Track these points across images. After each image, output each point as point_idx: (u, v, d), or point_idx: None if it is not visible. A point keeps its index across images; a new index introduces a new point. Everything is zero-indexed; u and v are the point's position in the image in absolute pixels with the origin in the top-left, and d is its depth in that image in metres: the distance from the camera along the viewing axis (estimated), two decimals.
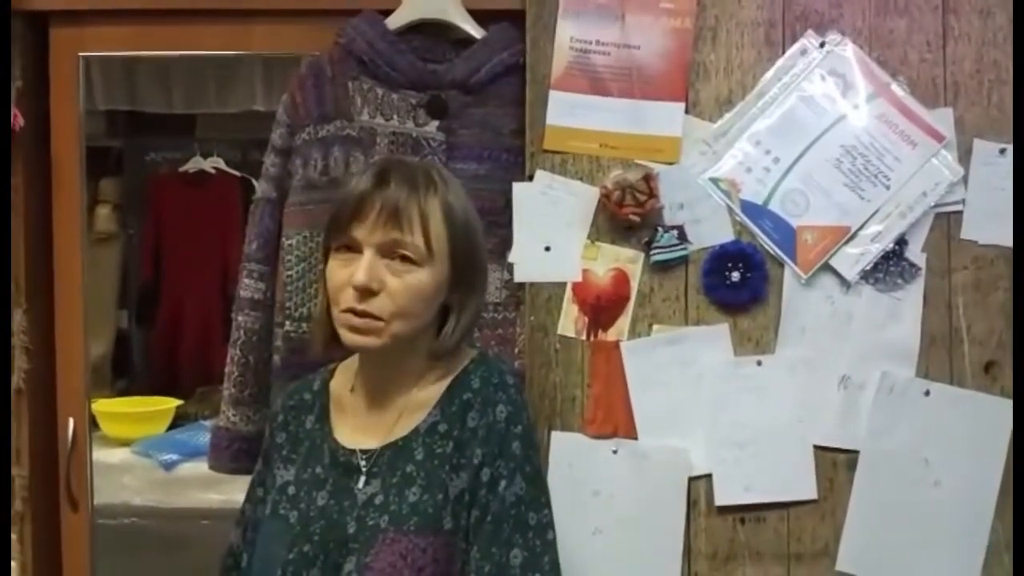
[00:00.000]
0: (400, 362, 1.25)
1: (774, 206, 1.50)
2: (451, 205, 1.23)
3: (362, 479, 1.22)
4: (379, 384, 1.27)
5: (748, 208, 1.50)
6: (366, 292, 1.18)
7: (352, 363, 1.32)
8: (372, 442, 1.24)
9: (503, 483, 1.19)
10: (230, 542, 1.35)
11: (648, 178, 1.49)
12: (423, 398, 1.25)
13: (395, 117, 1.56)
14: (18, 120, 1.63)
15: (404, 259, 1.19)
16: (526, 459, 1.22)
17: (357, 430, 1.27)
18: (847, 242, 1.49)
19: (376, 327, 1.19)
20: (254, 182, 1.69)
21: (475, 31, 1.59)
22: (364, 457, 1.23)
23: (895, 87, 1.51)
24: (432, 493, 1.19)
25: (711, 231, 1.51)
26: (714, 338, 1.50)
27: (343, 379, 1.32)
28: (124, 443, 2.58)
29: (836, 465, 1.49)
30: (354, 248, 1.20)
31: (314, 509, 1.23)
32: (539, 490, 1.23)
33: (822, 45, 1.52)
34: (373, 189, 1.19)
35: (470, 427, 1.22)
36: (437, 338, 1.26)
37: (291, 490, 1.26)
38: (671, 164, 1.51)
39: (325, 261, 1.25)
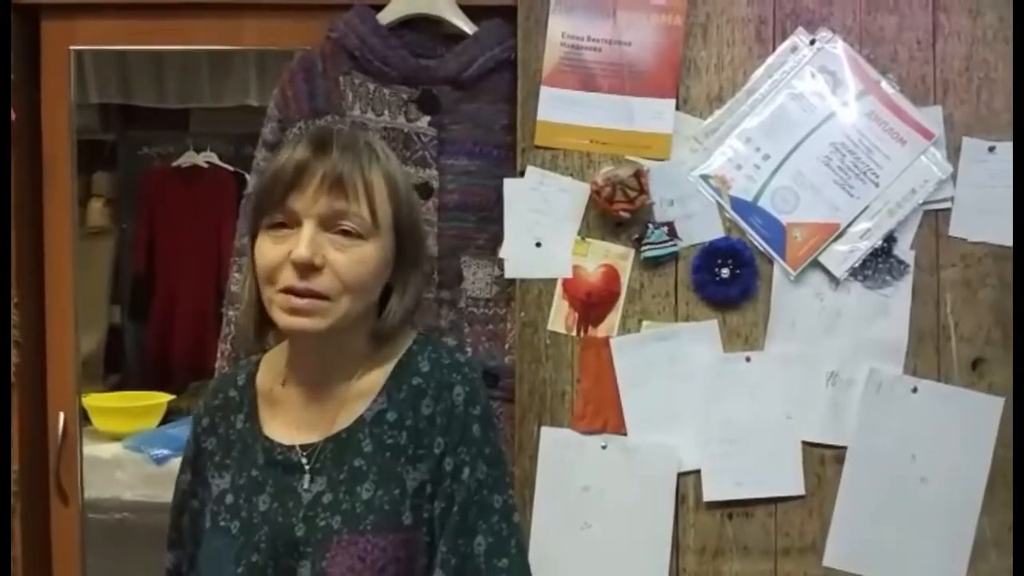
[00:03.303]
0: (339, 347, 1.14)
1: (764, 203, 1.51)
2: (394, 177, 1.15)
3: (306, 477, 1.13)
4: (316, 373, 1.16)
5: (738, 205, 1.51)
6: (308, 268, 1.07)
7: (279, 354, 1.21)
8: (312, 437, 1.15)
9: (466, 470, 1.12)
10: (168, 564, 1.25)
11: (639, 174, 1.49)
12: (366, 385, 1.15)
13: (386, 112, 1.56)
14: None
15: (347, 232, 1.09)
16: (486, 441, 1.14)
17: (293, 425, 1.16)
18: (836, 239, 1.50)
19: (320, 307, 1.08)
20: (247, 176, 1.68)
21: (467, 26, 1.59)
22: (304, 453, 1.14)
23: (885, 84, 1.51)
24: (387, 488, 1.11)
25: (701, 228, 1.51)
26: (703, 334, 1.51)
27: (270, 371, 1.21)
28: (115, 438, 2.57)
29: (824, 461, 1.50)
30: (290, 222, 1.09)
31: (256, 515, 1.13)
32: (501, 471, 1.15)
33: (812, 42, 1.52)
34: (312, 157, 1.08)
35: (425, 415, 1.13)
36: (378, 320, 1.16)
37: (229, 499, 1.15)
38: (662, 161, 1.52)
39: (252, 243, 1.13)
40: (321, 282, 1.08)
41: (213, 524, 1.17)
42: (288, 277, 1.08)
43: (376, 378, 1.16)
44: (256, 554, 1.12)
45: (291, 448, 1.15)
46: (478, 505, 1.12)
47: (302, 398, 1.18)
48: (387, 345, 1.18)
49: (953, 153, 1.51)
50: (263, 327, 1.16)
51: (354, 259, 1.09)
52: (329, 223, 1.09)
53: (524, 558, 1.15)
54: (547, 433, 1.51)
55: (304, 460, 1.14)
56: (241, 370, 1.25)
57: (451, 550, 1.11)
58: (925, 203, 1.50)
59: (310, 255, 1.07)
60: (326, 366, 1.16)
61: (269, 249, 1.10)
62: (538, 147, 1.53)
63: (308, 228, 1.08)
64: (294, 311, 1.08)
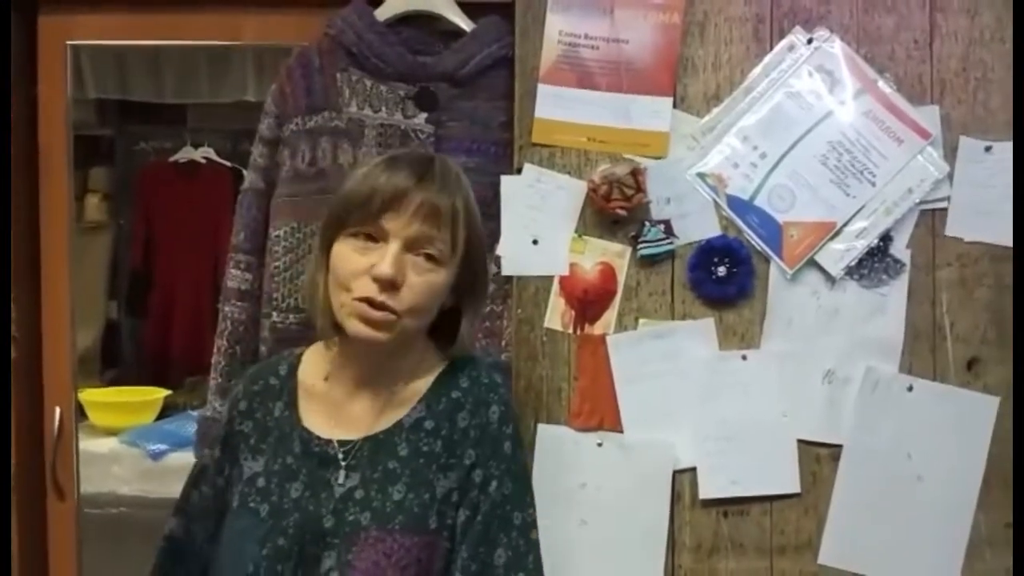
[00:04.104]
0: (391, 356, 1.21)
1: (760, 201, 1.51)
2: (472, 206, 1.22)
3: (341, 472, 1.19)
4: (363, 375, 1.23)
5: (735, 203, 1.51)
6: (390, 285, 1.14)
7: (322, 350, 1.27)
8: (350, 434, 1.21)
9: (494, 484, 1.18)
10: (168, 530, 1.27)
11: (636, 172, 1.49)
12: (407, 393, 1.23)
13: (383, 109, 1.56)
14: None
15: (429, 257, 1.16)
16: (515, 459, 1.21)
17: (333, 420, 1.23)
18: (832, 238, 1.50)
19: (390, 321, 1.15)
20: (245, 172, 1.68)
21: (464, 23, 1.59)
22: (342, 449, 1.20)
23: (882, 84, 1.51)
24: (418, 492, 1.17)
25: (698, 226, 1.51)
26: (700, 332, 1.51)
27: (313, 366, 1.27)
28: (112, 433, 2.57)
29: (819, 459, 1.50)
30: (377, 237, 1.15)
31: (287, 501, 1.19)
32: (525, 489, 1.22)
33: (810, 41, 1.52)
34: (414, 185, 1.15)
35: (461, 427, 1.20)
36: (429, 337, 1.24)
37: (260, 482, 1.21)
38: (659, 159, 1.52)
39: (328, 244, 1.19)
40: (397, 299, 1.14)
41: (241, 504, 1.22)
42: (367, 288, 1.14)
43: (418, 387, 1.23)
44: (283, 538, 1.17)
45: (328, 442, 1.21)
46: (501, 519, 1.18)
47: (344, 396, 1.24)
48: (434, 357, 1.25)
49: (950, 153, 1.51)
50: (337, 326, 1.20)
51: (428, 282, 1.16)
52: (414, 246, 1.15)
53: (540, 574, 1.20)
54: (543, 430, 1.51)
55: (341, 455, 1.20)
56: (283, 360, 1.31)
57: (472, 556, 1.16)
58: (921, 202, 1.50)
59: (394, 274, 1.13)
60: (374, 371, 1.23)
61: (351, 258, 1.16)
62: (535, 144, 1.53)
63: (395, 247, 1.14)
64: (367, 321, 1.15)
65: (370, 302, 1.14)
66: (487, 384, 1.24)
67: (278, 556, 1.16)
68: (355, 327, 1.16)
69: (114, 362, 3.06)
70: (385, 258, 1.13)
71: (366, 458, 1.20)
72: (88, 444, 2.25)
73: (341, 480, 1.19)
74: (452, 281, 1.20)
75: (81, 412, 2.09)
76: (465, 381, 1.24)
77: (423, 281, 1.16)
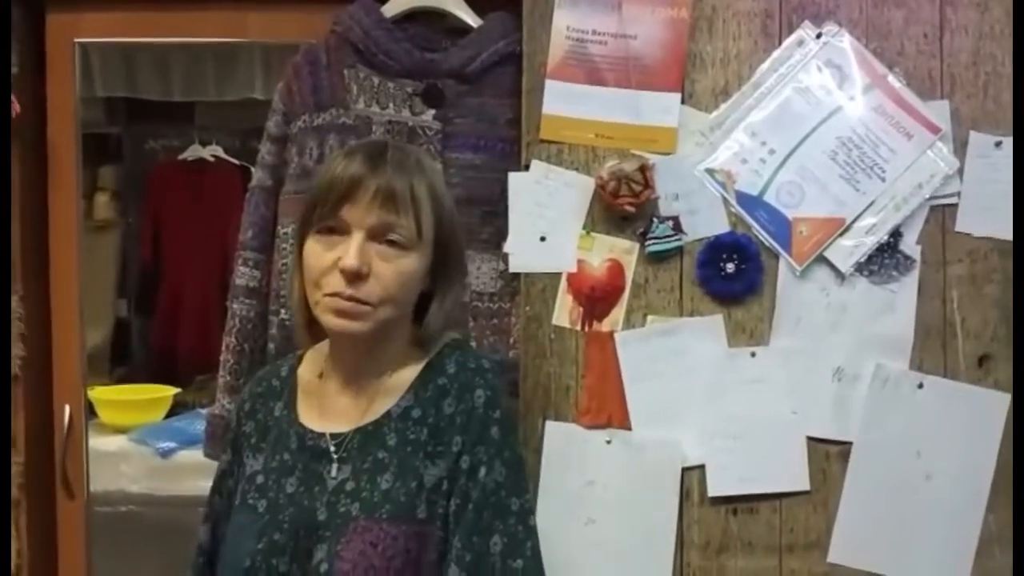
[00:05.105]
0: (375, 347, 1.22)
1: (769, 197, 1.50)
2: (438, 192, 1.21)
3: (333, 465, 1.20)
4: (352, 369, 1.24)
5: (743, 199, 1.50)
6: (355, 277, 1.14)
7: (321, 349, 1.29)
8: (342, 426, 1.22)
9: (483, 470, 1.17)
10: (199, 540, 1.30)
11: (644, 169, 1.49)
12: (396, 382, 1.23)
13: (391, 106, 1.56)
14: (15, 107, 1.63)
15: (393, 243, 1.16)
16: (505, 444, 1.20)
17: (326, 414, 1.24)
18: (842, 234, 1.49)
19: (363, 312, 1.15)
20: (253, 170, 1.69)
21: (471, 20, 1.59)
22: (334, 442, 1.21)
23: (891, 79, 1.50)
24: (405, 481, 1.17)
25: (706, 222, 1.51)
26: (708, 329, 1.50)
27: (311, 365, 1.30)
28: (121, 431, 2.59)
29: (829, 457, 1.50)
30: (340, 230, 1.16)
31: (283, 497, 1.20)
32: (519, 475, 1.21)
33: (819, 36, 1.51)
34: (368, 172, 1.15)
35: (447, 414, 1.20)
36: (414, 323, 1.24)
37: (260, 479, 1.23)
38: (667, 155, 1.51)
39: (301, 244, 1.20)
40: (366, 290, 1.15)
41: (242, 501, 1.24)
42: (335, 283, 1.15)
43: (406, 376, 1.23)
44: (278, 533, 1.18)
45: (321, 436, 1.22)
46: (495, 506, 1.17)
47: (336, 390, 1.25)
48: (421, 346, 1.24)
49: (960, 148, 1.50)
50: (312, 325, 1.22)
51: (398, 270, 1.16)
52: (377, 234, 1.15)
53: (538, 560, 1.20)
54: (551, 428, 1.51)
55: (332, 448, 1.21)
56: (285, 362, 1.34)
57: (466, 546, 1.15)
58: (931, 198, 1.49)
59: (359, 265, 1.13)
60: (362, 363, 1.23)
61: (319, 255, 1.16)
62: (543, 141, 1.52)
63: (357, 238, 1.14)
64: (339, 313, 1.15)
65: (340, 295, 1.15)
66: (473, 368, 1.23)
67: (273, 550, 1.17)
68: (330, 321, 1.17)
69: (123, 360, 3.08)
70: (349, 250, 1.14)
71: (356, 449, 1.20)
72: (97, 442, 2.27)
73: (333, 473, 1.20)
74: (427, 266, 1.20)
75: (91, 410, 2.10)
76: (452, 367, 1.23)
77: (391, 268, 1.16)
